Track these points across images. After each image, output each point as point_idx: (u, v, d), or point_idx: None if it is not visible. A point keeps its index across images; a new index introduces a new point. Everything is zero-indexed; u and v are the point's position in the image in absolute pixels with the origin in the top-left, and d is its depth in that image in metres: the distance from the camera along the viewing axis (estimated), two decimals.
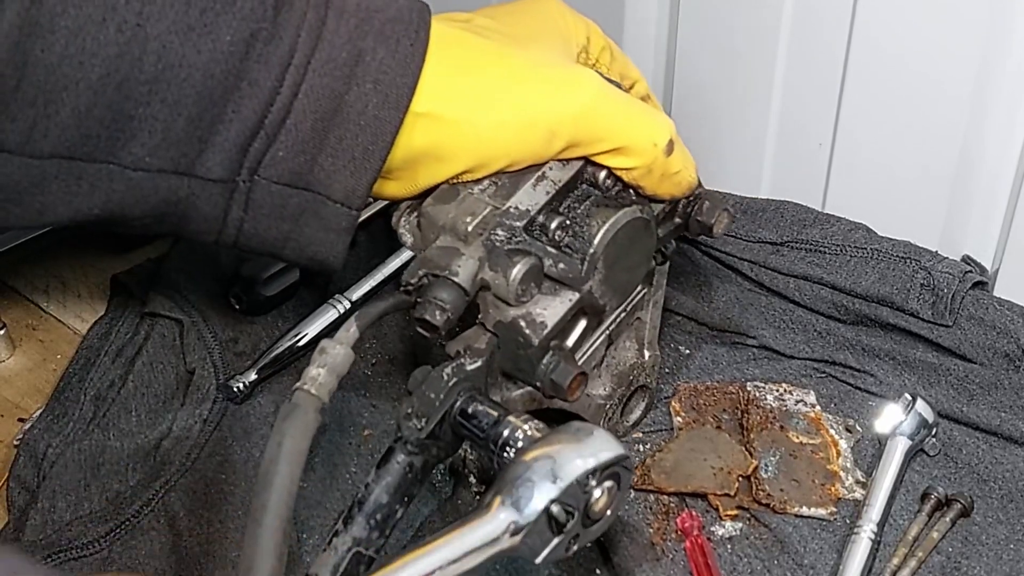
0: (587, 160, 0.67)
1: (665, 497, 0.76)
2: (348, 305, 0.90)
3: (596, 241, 0.64)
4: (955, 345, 0.85)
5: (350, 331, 0.57)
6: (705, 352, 0.89)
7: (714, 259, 0.96)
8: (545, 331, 0.63)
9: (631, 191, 0.69)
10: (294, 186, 0.62)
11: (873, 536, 0.71)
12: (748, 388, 0.83)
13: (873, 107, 0.92)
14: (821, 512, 0.74)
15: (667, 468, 0.77)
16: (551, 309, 0.64)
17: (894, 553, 0.72)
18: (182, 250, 0.95)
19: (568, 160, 0.66)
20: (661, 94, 1.06)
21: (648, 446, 0.81)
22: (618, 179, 0.67)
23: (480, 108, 0.62)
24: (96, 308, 0.95)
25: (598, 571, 0.72)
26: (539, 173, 0.65)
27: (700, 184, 0.72)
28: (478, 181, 0.65)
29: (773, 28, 0.94)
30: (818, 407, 0.83)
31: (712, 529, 0.74)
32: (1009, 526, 0.74)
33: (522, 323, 0.63)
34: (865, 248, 0.90)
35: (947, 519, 0.73)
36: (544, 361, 0.64)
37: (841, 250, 0.91)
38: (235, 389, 0.83)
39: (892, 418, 0.78)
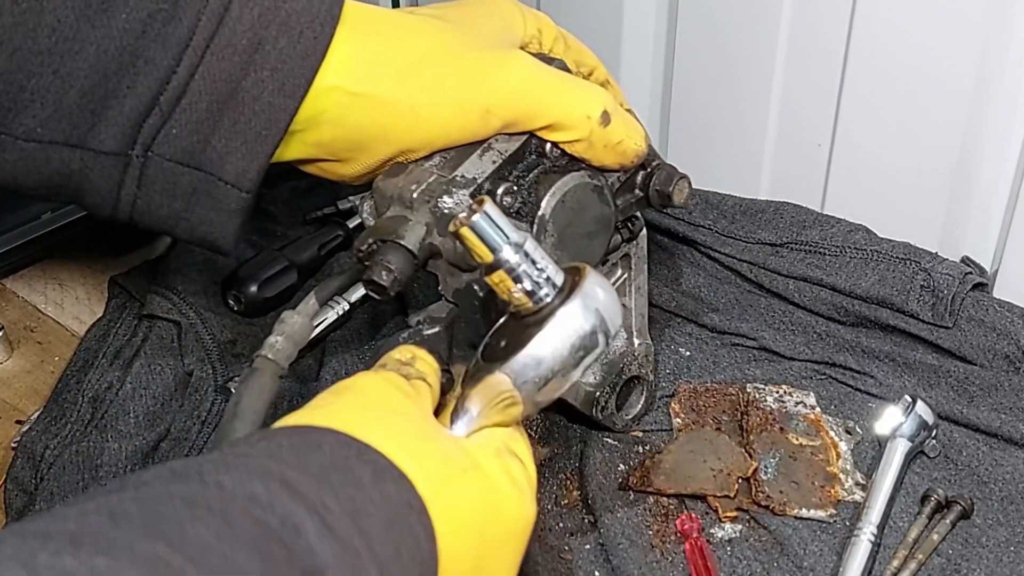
0: (532, 133, 0.68)
1: (664, 499, 0.76)
2: (347, 307, 0.89)
3: (544, 203, 0.66)
4: (955, 347, 0.85)
5: (309, 304, 0.60)
6: (705, 353, 0.89)
7: (714, 260, 0.96)
8: None
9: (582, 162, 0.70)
10: (187, 164, 0.63)
11: (873, 538, 0.71)
12: (748, 390, 0.83)
13: (872, 108, 0.92)
14: (821, 514, 0.74)
15: (667, 470, 0.77)
16: None
17: (894, 555, 0.72)
18: (180, 252, 0.95)
19: (514, 133, 0.68)
20: (660, 95, 1.06)
21: (648, 447, 0.81)
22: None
23: (416, 88, 0.64)
24: (94, 310, 0.95)
25: (597, 573, 0.72)
26: (485, 144, 0.67)
27: (656, 155, 0.74)
28: (427, 157, 0.67)
29: (772, 28, 0.93)
30: (818, 409, 0.82)
31: (711, 531, 0.74)
32: (1009, 528, 0.74)
33: (475, 287, 0.64)
34: (865, 249, 0.90)
35: (947, 521, 0.73)
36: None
37: (841, 251, 0.91)
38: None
39: (892, 420, 0.78)
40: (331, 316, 0.89)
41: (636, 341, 0.79)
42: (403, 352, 0.57)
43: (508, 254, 0.54)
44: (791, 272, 0.91)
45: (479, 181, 0.65)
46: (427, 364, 0.57)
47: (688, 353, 0.89)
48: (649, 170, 0.74)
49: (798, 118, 0.97)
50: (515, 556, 0.53)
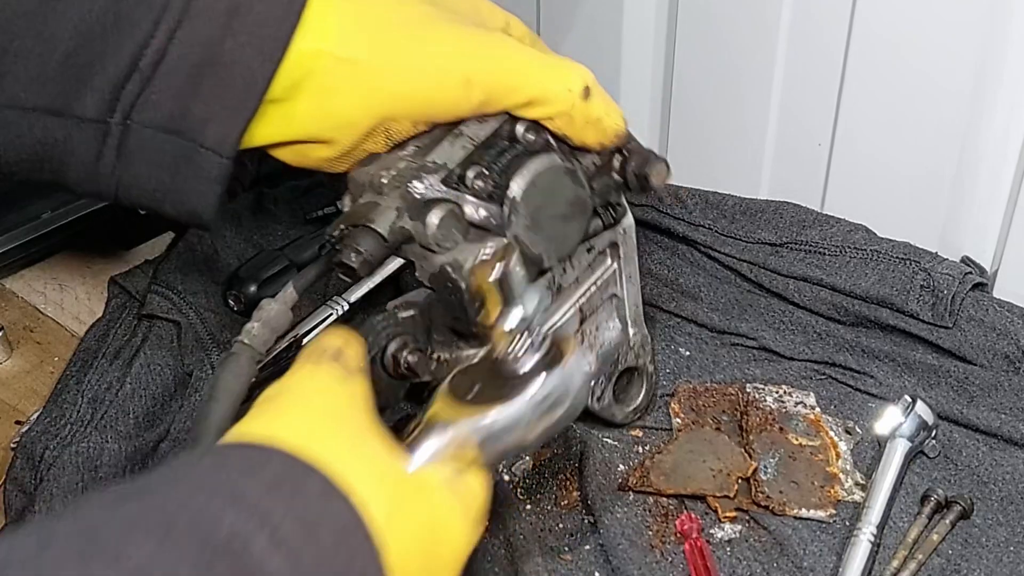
0: (508, 116, 0.68)
1: (664, 499, 0.76)
2: (346, 307, 0.89)
3: (514, 186, 0.66)
4: (955, 347, 0.85)
5: (287, 292, 0.62)
6: (705, 353, 0.89)
7: (714, 260, 0.96)
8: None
9: (556, 144, 0.70)
10: (168, 131, 0.63)
11: (873, 538, 0.71)
12: (748, 389, 0.83)
13: (872, 107, 0.92)
14: (820, 514, 0.74)
15: (666, 470, 0.77)
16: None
17: (894, 555, 0.72)
18: (180, 252, 0.95)
19: (486, 118, 0.68)
20: (660, 95, 1.06)
21: (647, 447, 0.81)
22: (540, 131, 0.69)
23: (398, 52, 0.64)
24: (94, 310, 0.95)
25: (597, 573, 0.72)
26: (456, 131, 0.67)
27: (633, 139, 0.73)
28: (400, 146, 0.67)
29: (772, 29, 0.93)
30: (818, 409, 0.82)
31: (711, 531, 0.74)
32: (1009, 528, 0.74)
33: (448, 269, 0.65)
34: (865, 249, 0.90)
35: (947, 521, 0.73)
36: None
37: (840, 251, 0.91)
38: None
39: (892, 420, 0.78)
40: (331, 316, 0.89)
41: (632, 331, 0.79)
42: (333, 339, 0.56)
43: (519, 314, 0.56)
44: (791, 272, 0.91)
45: (449, 167, 0.65)
46: (357, 349, 0.56)
47: (688, 353, 0.89)
48: (626, 154, 0.73)
49: (798, 118, 0.97)
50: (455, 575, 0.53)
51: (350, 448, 0.49)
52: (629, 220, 0.77)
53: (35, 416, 0.84)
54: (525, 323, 0.56)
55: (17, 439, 0.82)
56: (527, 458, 0.79)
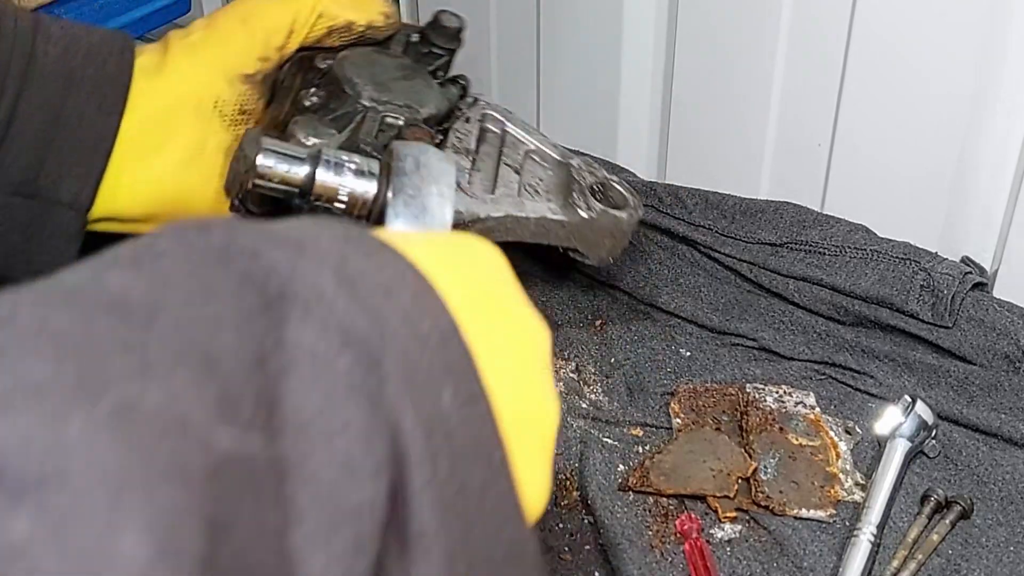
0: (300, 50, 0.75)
1: (664, 499, 0.76)
2: None
3: (336, 69, 0.74)
4: (955, 347, 0.85)
5: None
6: (705, 353, 0.89)
7: (714, 260, 0.96)
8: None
9: None
10: (22, 195, 0.65)
11: (873, 538, 0.71)
12: (747, 390, 0.83)
13: (872, 107, 0.92)
14: (820, 514, 0.74)
15: (666, 470, 0.77)
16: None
17: (894, 556, 0.72)
18: None
19: (292, 58, 0.75)
20: (660, 95, 1.06)
21: (647, 447, 0.81)
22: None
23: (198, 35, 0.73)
24: None
25: (597, 573, 0.72)
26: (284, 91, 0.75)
27: (395, 19, 0.79)
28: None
29: (772, 28, 0.93)
30: (818, 409, 0.82)
31: (711, 531, 0.74)
32: (1009, 528, 0.74)
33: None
34: (864, 249, 0.90)
35: (947, 521, 0.73)
36: None
37: (840, 251, 0.91)
38: None
39: (892, 420, 0.78)
40: None
41: (571, 160, 0.83)
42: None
43: (309, 166, 0.58)
44: (791, 272, 0.91)
45: (286, 119, 0.70)
46: None
47: (688, 353, 0.89)
48: (422, 27, 0.81)
49: (798, 118, 0.97)
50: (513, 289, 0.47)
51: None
52: (482, 103, 0.83)
53: None
54: (323, 160, 0.59)
55: None
56: None
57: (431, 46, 0.80)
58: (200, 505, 0.26)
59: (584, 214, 0.80)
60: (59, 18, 0.69)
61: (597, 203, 0.82)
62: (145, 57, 0.71)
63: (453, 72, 0.82)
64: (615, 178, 0.86)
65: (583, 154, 0.90)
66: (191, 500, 0.26)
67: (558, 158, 0.83)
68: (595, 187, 0.83)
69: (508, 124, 0.83)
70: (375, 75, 0.74)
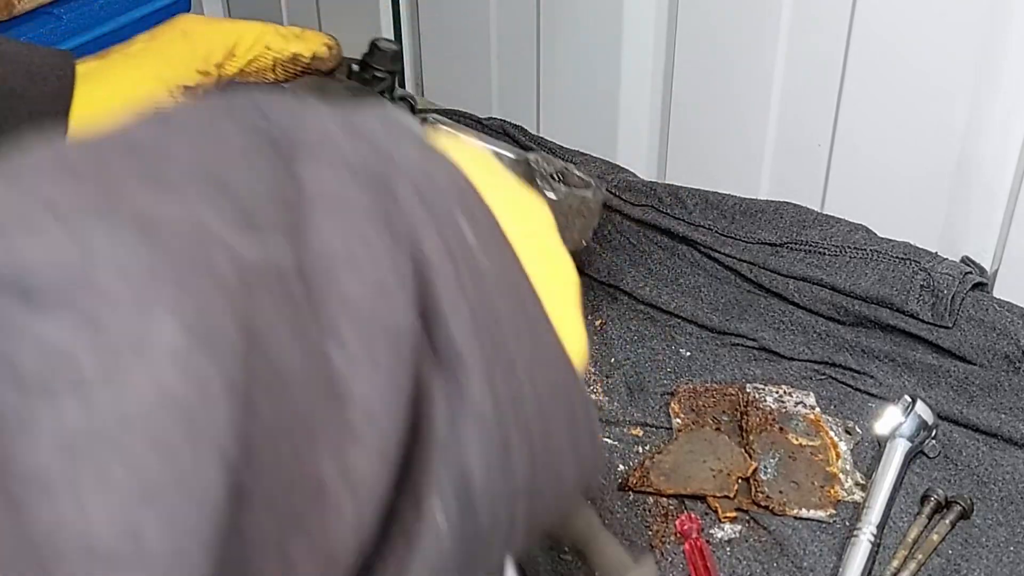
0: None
1: (664, 499, 0.76)
2: None
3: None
4: (955, 346, 0.85)
5: None
6: (705, 353, 0.89)
7: (714, 260, 0.96)
8: None
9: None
10: None
11: (872, 538, 0.71)
12: (748, 390, 0.83)
13: (872, 108, 0.92)
14: (820, 514, 0.74)
15: (666, 470, 0.77)
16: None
17: (894, 555, 0.72)
18: None
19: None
20: (660, 95, 1.06)
21: (647, 447, 0.81)
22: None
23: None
24: None
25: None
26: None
27: (338, 50, 0.82)
28: None
29: (772, 28, 0.93)
30: (818, 409, 0.82)
31: (711, 531, 0.74)
32: (1009, 528, 0.74)
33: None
34: (864, 249, 0.90)
35: (947, 521, 0.73)
36: None
37: (840, 251, 0.91)
38: None
39: (892, 420, 0.78)
40: None
41: (528, 156, 0.86)
42: None
43: None
44: (791, 272, 0.91)
45: None
46: None
47: (688, 353, 0.89)
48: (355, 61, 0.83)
49: (798, 118, 0.97)
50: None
51: None
52: (431, 117, 0.88)
53: None
54: None
55: None
56: None
57: (373, 71, 0.83)
58: (231, 303, 0.26)
59: (551, 195, 0.83)
60: (2, 37, 0.71)
61: (562, 186, 0.84)
62: (83, 66, 0.71)
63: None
64: (571, 165, 0.89)
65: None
66: (221, 296, 0.26)
67: (515, 157, 0.87)
68: (555, 175, 0.86)
69: (461, 135, 0.87)
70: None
